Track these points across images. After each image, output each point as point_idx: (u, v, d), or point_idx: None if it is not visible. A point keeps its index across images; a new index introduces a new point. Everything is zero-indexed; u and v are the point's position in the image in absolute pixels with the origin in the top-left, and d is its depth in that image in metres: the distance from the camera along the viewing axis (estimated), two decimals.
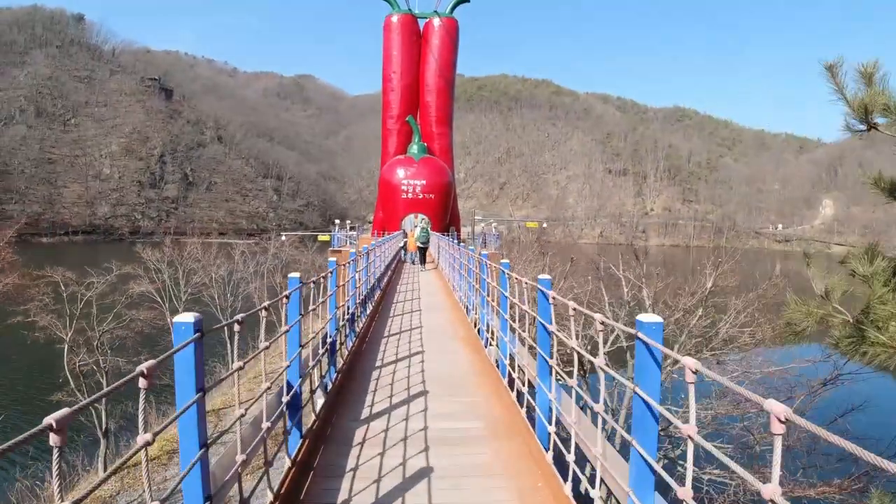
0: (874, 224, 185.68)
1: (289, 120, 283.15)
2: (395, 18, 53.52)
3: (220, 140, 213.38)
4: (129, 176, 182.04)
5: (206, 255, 48.66)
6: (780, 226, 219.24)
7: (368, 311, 15.10)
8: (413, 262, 32.33)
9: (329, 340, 8.89)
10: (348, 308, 11.96)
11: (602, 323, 4.54)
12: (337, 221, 54.79)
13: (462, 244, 22.87)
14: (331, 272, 9.61)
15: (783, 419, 2.37)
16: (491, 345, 10.50)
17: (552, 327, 6.37)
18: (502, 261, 8.33)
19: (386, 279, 22.37)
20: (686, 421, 3.58)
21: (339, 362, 9.99)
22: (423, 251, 30.68)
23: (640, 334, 3.96)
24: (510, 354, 8.72)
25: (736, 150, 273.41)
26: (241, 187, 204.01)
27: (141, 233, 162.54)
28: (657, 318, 4.01)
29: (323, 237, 56.15)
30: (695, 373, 3.24)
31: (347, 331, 11.79)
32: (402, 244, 36.21)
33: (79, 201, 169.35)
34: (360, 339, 12.42)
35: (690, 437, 3.26)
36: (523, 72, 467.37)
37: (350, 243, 48.99)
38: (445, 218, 51.30)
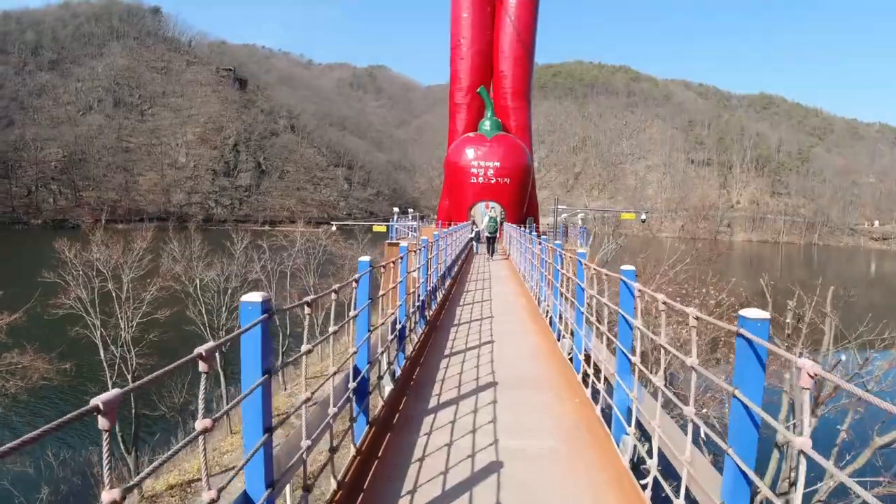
0: None
1: (361, 110, 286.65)
2: None
3: (292, 129, 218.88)
4: (203, 164, 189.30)
5: (186, 249, 36.56)
6: (876, 222, 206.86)
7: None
8: (478, 253, 32.13)
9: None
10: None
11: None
12: (396, 210, 48.80)
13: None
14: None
15: None
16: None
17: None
18: None
19: (442, 296, 16.43)
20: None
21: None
22: (491, 240, 30.34)
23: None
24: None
25: (827, 139, 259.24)
26: (313, 176, 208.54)
27: (214, 220, 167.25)
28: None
29: (378, 228, 49.39)
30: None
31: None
32: (472, 234, 34.77)
33: (154, 189, 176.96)
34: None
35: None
36: (599, 58, 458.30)
37: (411, 234, 43.66)
38: (522, 207, 45.43)
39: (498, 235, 32.26)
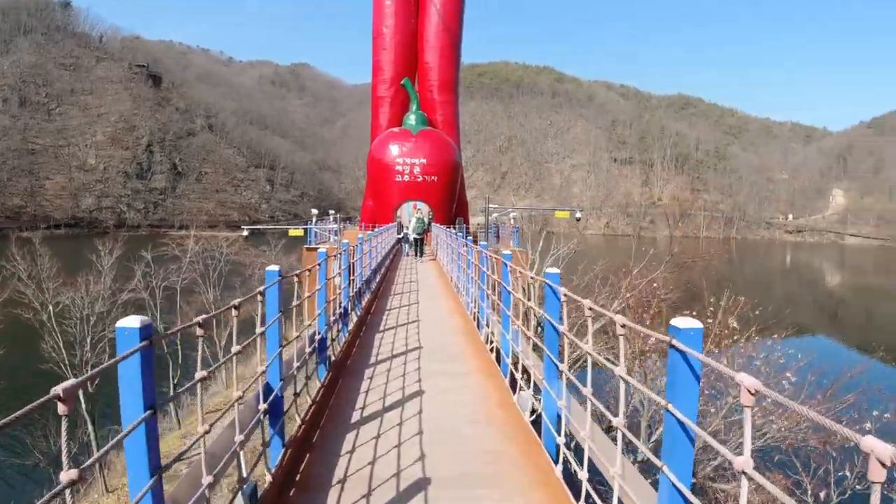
0: (887, 214, 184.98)
1: (283, 108, 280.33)
2: None
3: (210, 129, 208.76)
4: (114, 166, 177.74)
5: (33, 266, 29.30)
6: (790, 216, 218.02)
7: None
8: (407, 255, 30.45)
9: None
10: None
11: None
12: (314, 212, 43.93)
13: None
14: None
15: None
16: None
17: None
18: None
19: (357, 320, 13.34)
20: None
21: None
22: (418, 241, 29.33)
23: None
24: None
25: (743, 138, 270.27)
26: (233, 177, 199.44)
27: (127, 225, 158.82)
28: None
29: (295, 231, 45.00)
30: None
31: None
32: (399, 236, 33.17)
33: (62, 193, 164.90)
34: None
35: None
36: (524, 58, 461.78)
37: (332, 238, 40.00)
38: (451, 206, 43.15)
39: (425, 236, 30.81)
